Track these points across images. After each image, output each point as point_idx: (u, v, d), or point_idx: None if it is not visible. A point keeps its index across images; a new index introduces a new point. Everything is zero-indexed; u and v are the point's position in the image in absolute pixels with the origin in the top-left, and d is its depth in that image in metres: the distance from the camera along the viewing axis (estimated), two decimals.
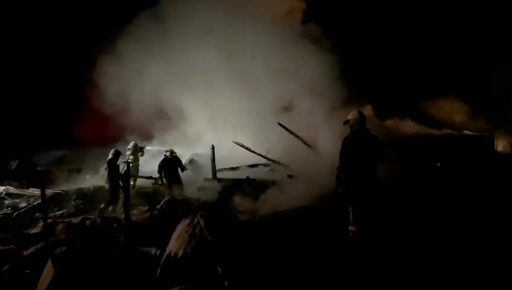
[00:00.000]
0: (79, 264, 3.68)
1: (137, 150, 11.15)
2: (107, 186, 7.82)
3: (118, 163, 8.00)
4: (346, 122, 4.49)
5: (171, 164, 8.95)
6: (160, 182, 9.03)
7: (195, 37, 12.63)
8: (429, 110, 16.86)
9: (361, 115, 4.44)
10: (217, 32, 12.49)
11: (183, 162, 9.78)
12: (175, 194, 8.67)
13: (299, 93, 11.32)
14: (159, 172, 8.93)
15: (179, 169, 9.07)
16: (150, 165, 11.06)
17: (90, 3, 17.22)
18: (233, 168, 10.43)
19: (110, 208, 7.76)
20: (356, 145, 4.33)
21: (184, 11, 12.85)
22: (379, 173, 4.37)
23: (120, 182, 7.44)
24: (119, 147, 12.89)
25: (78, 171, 12.94)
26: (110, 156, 8.02)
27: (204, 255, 3.64)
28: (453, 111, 17.09)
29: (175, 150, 9.40)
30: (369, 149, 4.28)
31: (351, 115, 4.45)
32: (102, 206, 7.67)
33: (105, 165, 8.02)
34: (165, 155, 9.17)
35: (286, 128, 9.64)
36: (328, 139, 7.98)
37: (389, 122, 14.30)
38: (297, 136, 9.34)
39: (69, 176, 12.44)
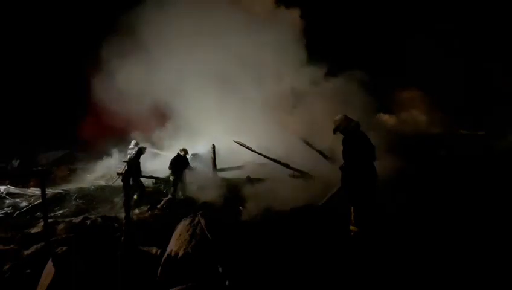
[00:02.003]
0: (79, 264, 3.68)
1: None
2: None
3: (139, 161, 8.46)
4: (337, 128, 4.52)
5: (181, 163, 9.01)
6: (171, 178, 9.09)
7: (191, 38, 12.64)
8: (393, 102, 16.33)
9: (347, 117, 4.53)
10: (213, 32, 12.50)
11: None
12: (177, 194, 8.69)
13: (298, 92, 11.39)
14: (170, 168, 8.97)
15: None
16: (150, 165, 11.07)
17: (90, 5, 17.24)
18: (232, 168, 10.44)
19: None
20: (357, 145, 4.34)
21: (183, 10, 12.86)
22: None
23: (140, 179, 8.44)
24: (120, 148, 13.02)
25: (78, 170, 13.00)
26: (133, 154, 8.24)
27: (205, 255, 3.64)
28: (414, 103, 16.49)
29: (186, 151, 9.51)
30: (367, 148, 4.33)
31: (340, 120, 4.51)
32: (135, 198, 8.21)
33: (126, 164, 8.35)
34: (178, 153, 9.21)
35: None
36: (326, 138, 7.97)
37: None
38: (317, 150, 9.26)
39: (69, 176, 12.48)
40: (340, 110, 5.43)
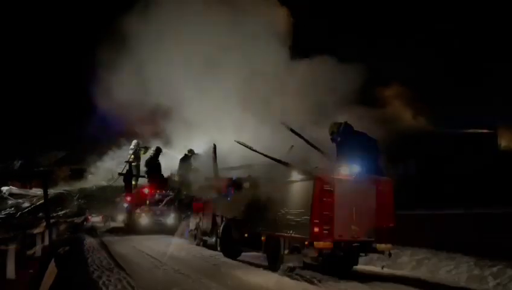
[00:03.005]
0: (81, 264, 3.71)
1: (139, 149, 11.15)
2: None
3: (158, 161, 8.20)
4: (331, 135, 4.61)
5: (186, 163, 9.06)
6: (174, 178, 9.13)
7: (191, 37, 12.59)
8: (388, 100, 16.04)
9: (335, 122, 4.66)
10: (212, 32, 12.45)
11: None
12: (180, 193, 8.72)
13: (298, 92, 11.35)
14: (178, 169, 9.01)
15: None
16: None
17: (92, 5, 17.24)
18: (233, 167, 10.40)
19: None
20: (350, 147, 4.37)
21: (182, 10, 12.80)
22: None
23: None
24: (123, 148, 12.98)
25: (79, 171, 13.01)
26: (151, 153, 8.16)
27: None
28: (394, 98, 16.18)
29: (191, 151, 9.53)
30: (364, 147, 4.34)
31: (330, 127, 4.65)
32: None
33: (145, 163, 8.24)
34: (185, 154, 9.27)
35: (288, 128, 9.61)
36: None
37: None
38: (300, 136, 9.26)
39: (71, 176, 12.51)
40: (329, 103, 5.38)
